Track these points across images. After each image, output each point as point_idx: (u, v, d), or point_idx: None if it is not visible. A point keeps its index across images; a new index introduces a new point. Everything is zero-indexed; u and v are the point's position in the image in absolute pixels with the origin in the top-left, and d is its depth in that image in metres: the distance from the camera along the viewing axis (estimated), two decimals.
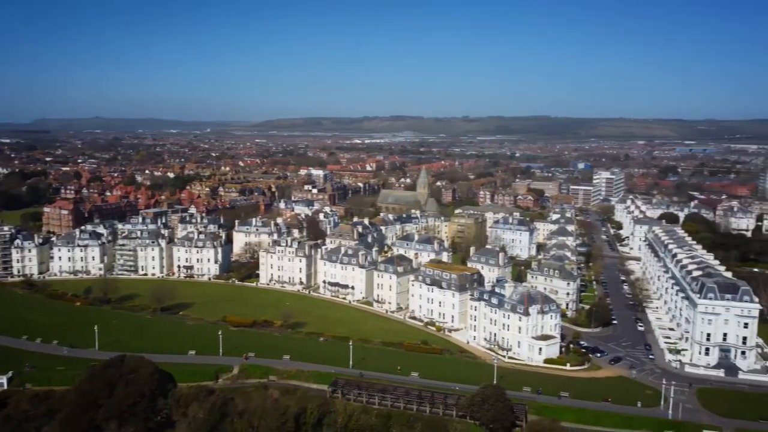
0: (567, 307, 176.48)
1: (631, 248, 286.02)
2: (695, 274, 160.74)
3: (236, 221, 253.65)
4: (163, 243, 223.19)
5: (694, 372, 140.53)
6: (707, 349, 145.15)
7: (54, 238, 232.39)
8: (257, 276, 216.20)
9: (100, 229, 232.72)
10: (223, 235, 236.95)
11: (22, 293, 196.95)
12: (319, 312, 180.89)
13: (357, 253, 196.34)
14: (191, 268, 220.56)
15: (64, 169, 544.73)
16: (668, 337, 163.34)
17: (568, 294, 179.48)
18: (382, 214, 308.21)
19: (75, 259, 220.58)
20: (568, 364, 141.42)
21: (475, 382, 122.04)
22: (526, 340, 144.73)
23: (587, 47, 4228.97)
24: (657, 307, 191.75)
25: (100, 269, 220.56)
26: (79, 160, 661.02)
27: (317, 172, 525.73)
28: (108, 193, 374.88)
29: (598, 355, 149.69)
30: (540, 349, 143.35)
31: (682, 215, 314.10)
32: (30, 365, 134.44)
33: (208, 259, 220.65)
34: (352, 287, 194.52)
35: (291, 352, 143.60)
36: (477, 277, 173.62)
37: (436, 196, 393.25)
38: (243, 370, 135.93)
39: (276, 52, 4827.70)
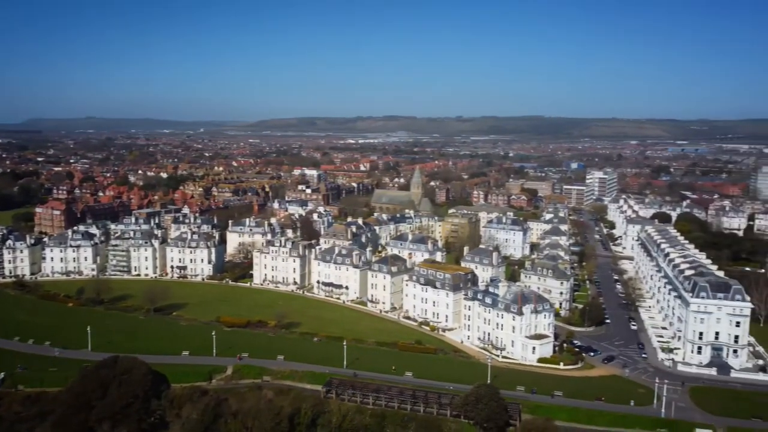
0: (560, 307, 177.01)
1: (624, 248, 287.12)
2: (687, 273, 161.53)
3: (230, 221, 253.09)
4: (156, 243, 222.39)
5: (686, 371, 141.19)
6: (699, 348, 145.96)
7: (46, 239, 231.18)
8: (251, 276, 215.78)
9: (93, 230, 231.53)
10: (216, 235, 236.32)
11: (14, 294, 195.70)
12: (313, 312, 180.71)
13: (351, 253, 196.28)
14: (185, 268, 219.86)
15: (56, 169, 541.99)
16: (661, 336, 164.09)
17: (561, 293, 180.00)
18: (375, 214, 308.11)
19: (67, 260, 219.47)
20: (562, 364, 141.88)
21: (469, 381, 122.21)
22: (520, 339, 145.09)
23: (581, 48, 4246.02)
24: (650, 306, 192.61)
25: (93, 270, 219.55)
26: (72, 161, 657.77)
27: (311, 172, 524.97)
28: (100, 194, 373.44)
29: (592, 354, 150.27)
30: (534, 348, 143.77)
31: (674, 215, 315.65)
32: (22, 366, 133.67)
33: (202, 260, 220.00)
34: (346, 287, 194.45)
35: (285, 353, 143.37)
36: (471, 276, 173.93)
37: (429, 196, 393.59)
38: (237, 370, 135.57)
39: (270, 53, 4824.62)
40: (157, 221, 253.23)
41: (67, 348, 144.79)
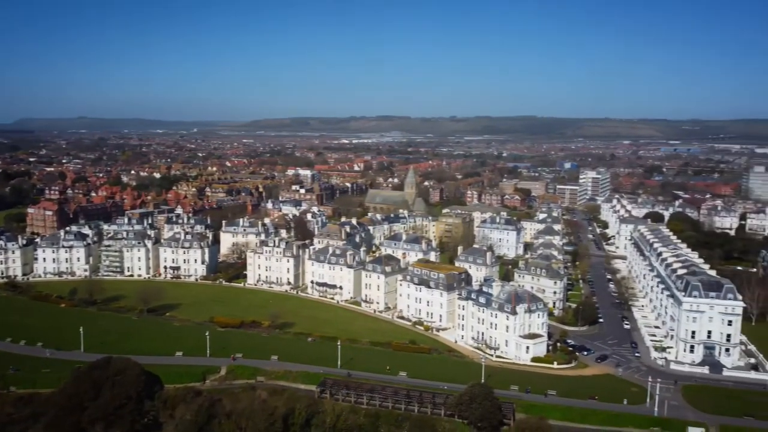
0: (554, 306, 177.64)
1: (617, 247, 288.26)
2: (680, 272, 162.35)
3: (223, 222, 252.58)
4: (149, 244, 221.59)
5: (679, 369, 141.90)
6: (692, 347, 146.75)
7: (38, 239, 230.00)
8: (245, 276, 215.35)
9: (86, 230, 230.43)
10: (210, 235, 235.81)
11: (6, 295, 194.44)
12: (307, 312, 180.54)
13: (345, 253, 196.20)
14: (178, 268, 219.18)
15: (48, 169, 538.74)
16: (654, 335, 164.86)
17: (555, 293, 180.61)
18: (369, 214, 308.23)
19: (60, 261, 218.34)
20: (555, 363, 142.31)
21: (463, 381, 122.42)
22: (514, 338, 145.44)
23: (574, 48, 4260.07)
24: (643, 306, 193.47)
25: (86, 270, 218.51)
26: (64, 161, 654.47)
27: (305, 172, 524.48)
28: (93, 194, 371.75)
29: (585, 353, 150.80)
30: (527, 347, 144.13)
31: (667, 214, 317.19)
32: (14, 368, 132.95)
33: (195, 260, 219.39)
34: (340, 287, 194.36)
35: (279, 353, 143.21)
36: (464, 276, 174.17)
37: (423, 195, 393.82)
38: (231, 370, 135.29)
39: (264, 53, 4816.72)
40: (150, 221, 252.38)
41: (60, 349, 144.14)
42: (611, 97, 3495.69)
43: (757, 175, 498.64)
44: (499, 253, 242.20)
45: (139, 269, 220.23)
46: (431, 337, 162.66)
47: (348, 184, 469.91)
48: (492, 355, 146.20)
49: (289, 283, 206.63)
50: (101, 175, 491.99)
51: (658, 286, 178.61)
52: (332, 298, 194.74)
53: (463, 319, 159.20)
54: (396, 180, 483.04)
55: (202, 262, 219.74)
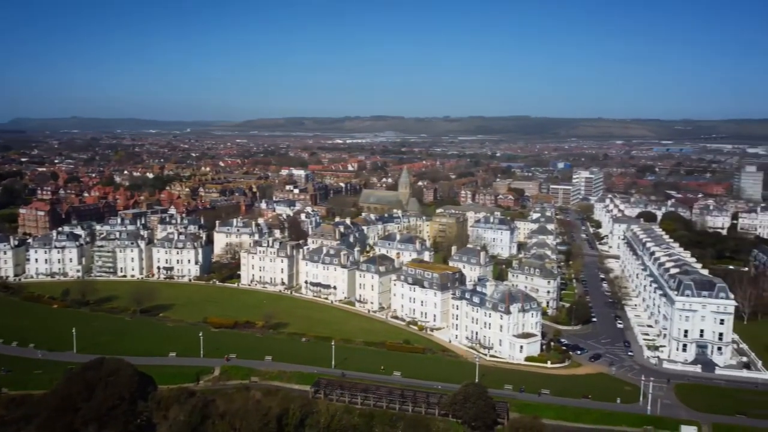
0: (547, 306, 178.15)
1: (610, 246, 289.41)
2: (672, 271, 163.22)
3: (217, 222, 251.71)
4: (142, 244, 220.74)
5: (671, 368, 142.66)
6: (684, 346, 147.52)
7: (30, 240, 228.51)
8: (238, 277, 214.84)
9: (78, 231, 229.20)
10: (203, 235, 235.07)
11: None
12: (301, 312, 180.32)
13: (339, 253, 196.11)
14: (171, 269, 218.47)
15: (40, 169, 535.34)
16: (647, 334, 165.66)
17: (548, 292, 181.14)
18: (363, 214, 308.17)
19: (52, 261, 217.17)
20: (549, 362, 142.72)
21: (457, 380, 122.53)
22: (508, 338, 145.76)
23: (567, 48, 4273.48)
24: (636, 305, 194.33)
25: (78, 271, 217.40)
26: (56, 161, 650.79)
27: (299, 172, 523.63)
28: (86, 194, 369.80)
29: (578, 352, 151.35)
30: (521, 347, 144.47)
31: (659, 214, 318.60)
32: (6, 369, 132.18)
33: (189, 260, 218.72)
34: (334, 287, 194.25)
35: (273, 353, 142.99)
36: (458, 276, 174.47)
37: (417, 195, 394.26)
38: (224, 371, 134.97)
39: (257, 53, 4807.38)
40: (143, 222, 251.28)
41: (52, 350, 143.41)
42: (604, 98, 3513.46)
43: (749, 174, 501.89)
44: (493, 253, 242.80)
45: (132, 270, 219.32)
46: (425, 336, 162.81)
47: (342, 184, 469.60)
48: (486, 355, 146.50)
49: (283, 284, 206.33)
50: (94, 175, 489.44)
51: (650, 285, 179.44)
52: (326, 298, 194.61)
53: (457, 319, 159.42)
54: (390, 180, 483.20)
55: (196, 263, 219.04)
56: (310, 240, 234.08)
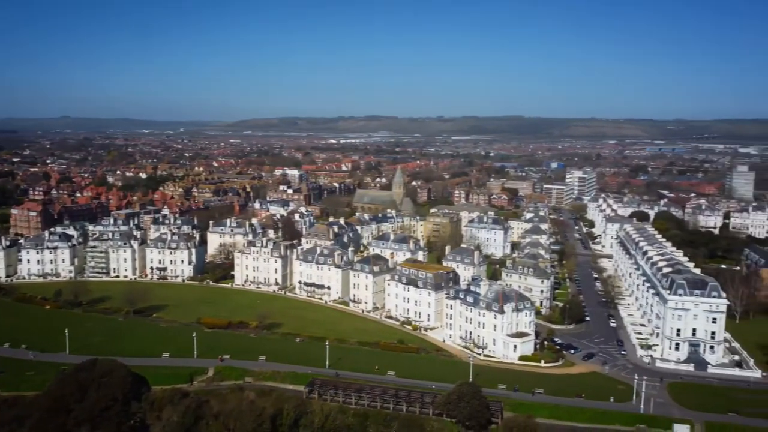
0: (541, 305, 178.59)
1: (603, 246, 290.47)
2: (665, 270, 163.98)
3: (210, 222, 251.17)
4: (135, 244, 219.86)
5: (664, 367, 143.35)
6: (677, 344, 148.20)
7: (22, 241, 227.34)
8: (232, 277, 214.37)
9: (70, 231, 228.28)
10: (197, 236, 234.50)
11: None
12: (295, 312, 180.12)
13: (333, 253, 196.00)
14: (165, 269, 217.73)
15: (32, 169, 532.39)
16: (640, 333, 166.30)
17: (542, 292, 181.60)
18: (357, 214, 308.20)
19: (44, 262, 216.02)
20: (543, 361, 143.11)
21: (451, 380, 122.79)
22: (501, 337, 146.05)
23: (560, 48, 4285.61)
24: (629, 304, 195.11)
25: (71, 272, 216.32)
26: (48, 161, 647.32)
27: (292, 172, 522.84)
28: (78, 194, 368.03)
29: (572, 351, 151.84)
30: (515, 346, 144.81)
31: (652, 213, 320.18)
32: None
33: (182, 261, 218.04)
34: (328, 287, 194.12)
35: (267, 353, 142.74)
36: (452, 275, 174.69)
37: (411, 195, 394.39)
38: (218, 372, 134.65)
39: (251, 53, 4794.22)
40: (136, 222, 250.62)
41: (45, 351, 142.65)
42: (597, 98, 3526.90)
43: (741, 174, 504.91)
44: (487, 253, 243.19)
45: (125, 270, 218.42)
46: (419, 336, 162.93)
47: (336, 184, 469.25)
48: (480, 354, 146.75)
49: (276, 284, 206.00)
50: (86, 175, 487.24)
51: (643, 285, 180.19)
52: (320, 298, 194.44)
53: (450, 319, 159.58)
54: (384, 180, 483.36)
55: (189, 263, 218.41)
56: (303, 240, 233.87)
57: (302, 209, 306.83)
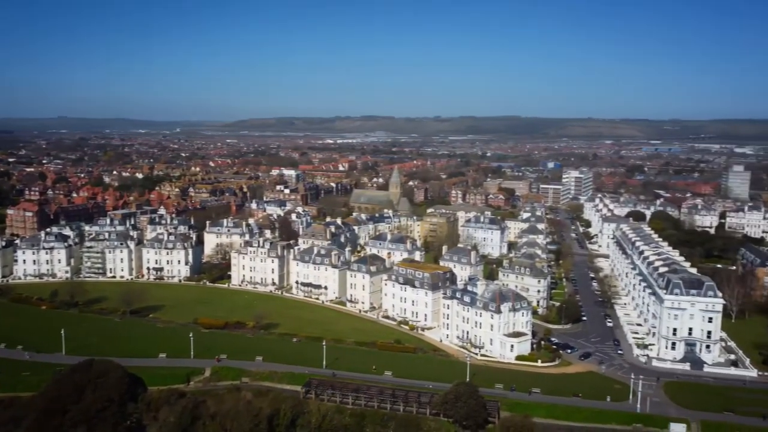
0: (538, 305, 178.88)
1: (600, 246, 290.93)
2: (661, 270, 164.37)
3: (207, 222, 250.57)
4: (132, 245, 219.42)
5: (661, 366, 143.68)
6: (673, 344, 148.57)
7: (18, 241, 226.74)
8: (229, 277, 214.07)
9: (67, 231, 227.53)
10: (193, 236, 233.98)
11: None
12: (292, 312, 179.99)
13: (330, 253, 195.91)
14: (161, 269, 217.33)
15: (28, 170, 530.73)
16: (636, 333, 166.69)
17: (538, 291, 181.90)
18: (354, 214, 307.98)
19: (40, 262, 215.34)
20: (540, 361, 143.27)
21: (448, 379, 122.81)
22: (498, 337, 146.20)
23: (556, 48, 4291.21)
24: (625, 303, 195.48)
25: (67, 272, 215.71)
26: (44, 161, 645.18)
27: (289, 173, 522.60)
28: (74, 195, 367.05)
29: (569, 351, 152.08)
30: (512, 346, 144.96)
31: (648, 213, 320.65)
32: None
33: (179, 261, 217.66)
34: (325, 287, 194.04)
35: (264, 354, 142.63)
36: (449, 275, 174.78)
37: (408, 195, 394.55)
38: (215, 372, 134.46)
39: (247, 52, 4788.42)
40: (132, 222, 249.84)
41: (41, 352, 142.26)
42: (593, 98, 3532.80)
43: (736, 174, 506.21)
44: (484, 253, 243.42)
45: (122, 270, 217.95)
46: (416, 336, 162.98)
47: (333, 184, 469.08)
48: (477, 354, 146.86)
49: (273, 284, 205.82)
50: (82, 175, 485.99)
51: (640, 284, 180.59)
52: (317, 299, 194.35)
53: (448, 318, 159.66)
54: (381, 180, 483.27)
55: (186, 263, 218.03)
56: (300, 240, 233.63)
57: (299, 209, 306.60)
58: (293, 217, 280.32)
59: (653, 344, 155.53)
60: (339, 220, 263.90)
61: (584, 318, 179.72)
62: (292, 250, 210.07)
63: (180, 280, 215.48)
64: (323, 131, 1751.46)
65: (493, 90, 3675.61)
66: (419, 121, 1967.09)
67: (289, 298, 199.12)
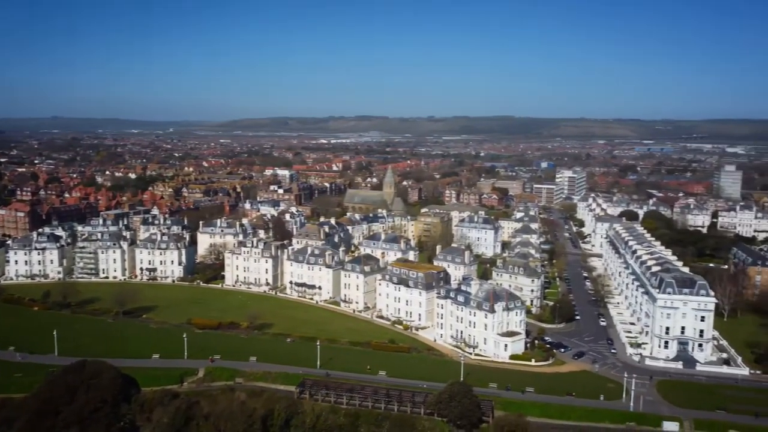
0: (531, 304, 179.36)
1: (593, 245, 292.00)
2: (654, 269, 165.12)
3: (200, 222, 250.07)
4: (124, 245, 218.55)
5: (654, 365, 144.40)
6: (666, 343, 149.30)
7: (10, 241, 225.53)
8: (222, 277, 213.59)
9: (59, 232, 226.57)
10: (187, 236, 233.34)
11: None
12: (286, 313, 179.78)
13: (324, 253, 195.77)
14: (154, 270, 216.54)
15: (19, 170, 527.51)
16: (629, 332, 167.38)
17: (532, 291, 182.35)
18: (348, 214, 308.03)
19: (32, 263, 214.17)
20: (533, 360, 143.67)
21: (443, 379, 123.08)
22: (492, 336, 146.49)
23: (549, 49, 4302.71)
24: (618, 303, 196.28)
25: (59, 273, 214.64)
26: (36, 161, 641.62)
27: (283, 173, 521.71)
28: (67, 195, 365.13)
29: (562, 350, 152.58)
30: (506, 345, 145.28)
31: (641, 212, 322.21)
32: None
33: (172, 261, 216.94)
34: (319, 287, 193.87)
35: (258, 354, 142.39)
36: (443, 275, 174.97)
37: (402, 195, 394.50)
38: (209, 372, 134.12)
39: (241, 52, 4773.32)
40: (125, 223, 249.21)
41: (33, 353, 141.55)
42: (586, 98, 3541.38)
43: (728, 174, 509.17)
44: (477, 252, 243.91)
45: (115, 271, 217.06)
46: (410, 336, 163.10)
47: (327, 184, 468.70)
48: (471, 353, 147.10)
49: (267, 284, 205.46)
50: (75, 175, 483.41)
51: (633, 283, 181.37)
52: (311, 299, 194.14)
53: (442, 318, 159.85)
54: (375, 180, 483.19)
55: (179, 264, 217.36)
56: (294, 240, 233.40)
57: (293, 209, 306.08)
58: (287, 217, 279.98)
59: (646, 343, 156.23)
60: (333, 220, 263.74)
61: (578, 317, 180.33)
62: (285, 250, 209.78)
63: (173, 281, 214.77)
64: (317, 131, 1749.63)
65: (487, 90, 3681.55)
66: (413, 121, 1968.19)
67: (283, 298, 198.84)
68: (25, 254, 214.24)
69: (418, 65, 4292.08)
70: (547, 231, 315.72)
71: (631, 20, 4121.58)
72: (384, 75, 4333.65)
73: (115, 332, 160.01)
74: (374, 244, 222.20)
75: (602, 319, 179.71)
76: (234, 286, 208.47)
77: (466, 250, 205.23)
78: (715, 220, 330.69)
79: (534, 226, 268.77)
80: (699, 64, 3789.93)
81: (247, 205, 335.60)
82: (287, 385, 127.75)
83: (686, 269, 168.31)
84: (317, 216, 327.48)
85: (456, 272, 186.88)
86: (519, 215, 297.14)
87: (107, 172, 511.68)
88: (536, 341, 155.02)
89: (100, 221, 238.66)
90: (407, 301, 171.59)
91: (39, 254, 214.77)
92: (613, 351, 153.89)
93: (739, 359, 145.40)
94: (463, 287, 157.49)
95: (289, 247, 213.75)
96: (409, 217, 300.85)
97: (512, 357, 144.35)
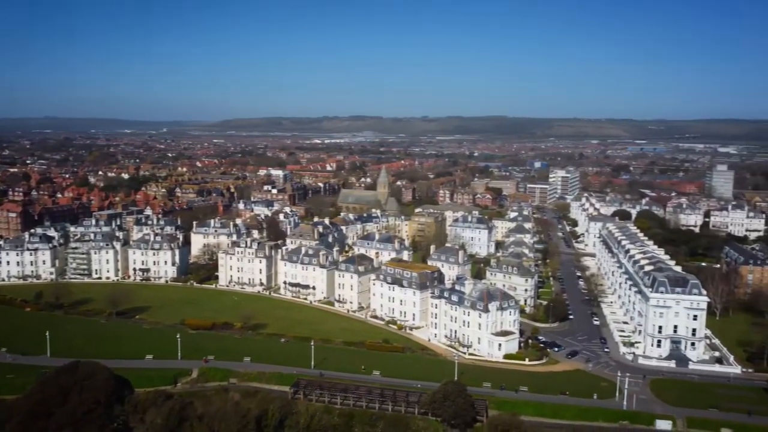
0: (525, 303, 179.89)
1: (586, 245, 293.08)
2: (647, 268, 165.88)
3: (194, 222, 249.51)
4: (117, 245, 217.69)
5: (647, 364, 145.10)
6: (659, 341, 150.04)
7: (2, 242, 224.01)
8: (216, 278, 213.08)
9: (51, 232, 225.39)
10: (180, 236, 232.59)
11: None
12: (280, 313, 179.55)
13: (318, 253, 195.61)
14: (148, 270, 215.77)
15: (11, 170, 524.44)
16: (622, 331, 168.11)
17: (526, 290, 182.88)
18: (342, 214, 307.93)
19: (24, 264, 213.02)
20: (527, 359, 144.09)
21: (437, 379, 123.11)
22: (486, 336, 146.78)
23: (543, 49, 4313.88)
24: (611, 302, 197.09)
25: (52, 273, 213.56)
26: (28, 161, 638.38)
27: (277, 173, 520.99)
28: (59, 195, 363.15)
29: (556, 349, 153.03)
30: (499, 344, 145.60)
31: (634, 212, 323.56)
32: None
33: (165, 262, 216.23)
34: (313, 287, 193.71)
35: (252, 354, 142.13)
36: (437, 275, 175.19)
37: (396, 195, 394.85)
38: (202, 373, 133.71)
39: (234, 52, 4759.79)
40: (118, 223, 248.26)
41: (25, 354, 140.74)
42: (579, 98, 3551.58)
43: (720, 173, 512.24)
44: (471, 252, 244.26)
45: (108, 271, 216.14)
46: (404, 335, 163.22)
47: (320, 184, 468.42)
48: (465, 353, 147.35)
49: (261, 284, 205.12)
50: (67, 176, 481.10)
51: (626, 283, 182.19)
52: (305, 299, 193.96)
53: (436, 318, 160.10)
54: (369, 180, 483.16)
55: (173, 264, 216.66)
56: (288, 240, 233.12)
57: (287, 209, 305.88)
58: (281, 217, 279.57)
59: (639, 342, 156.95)
60: (327, 220, 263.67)
61: (571, 316, 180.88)
62: (279, 251, 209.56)
63: (167, 281, 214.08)
64: (311, 131, 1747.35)
65: (481, 90, 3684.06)
66: (407, 121, 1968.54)
67: (277, 298, 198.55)
68: (17, 255, 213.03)
69: (412, 66, 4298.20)
70: (541, 231, 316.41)
71: (624, 21, 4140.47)
72: (378, 75, 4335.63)
73: (108, 333, 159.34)
74: (368, 244, 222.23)
75: (595, 319, 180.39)
76: (228, 286, 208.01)
77: (460, 249, 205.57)
78: (707, 219, 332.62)
79: (527, 225, 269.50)
80: (691, 64, 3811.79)
81: (241, 206, 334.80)
82: (281, 386, 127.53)
83: (679, 268, 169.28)
84: (311, 216, 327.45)
85: (450, 272, 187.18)
86: (512, 215, 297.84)
87: (100, 173, 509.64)
88: (530, 340, 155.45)
89: (93, 222, 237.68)
90: (401, 301, 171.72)
91: (31, 255, 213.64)
92: (606, 350, 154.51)
93: (732, 358, 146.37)
94: (457, 287, 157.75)
95: (283, 247, 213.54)
96: (403, 217, 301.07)
97: (506, 356, 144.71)
